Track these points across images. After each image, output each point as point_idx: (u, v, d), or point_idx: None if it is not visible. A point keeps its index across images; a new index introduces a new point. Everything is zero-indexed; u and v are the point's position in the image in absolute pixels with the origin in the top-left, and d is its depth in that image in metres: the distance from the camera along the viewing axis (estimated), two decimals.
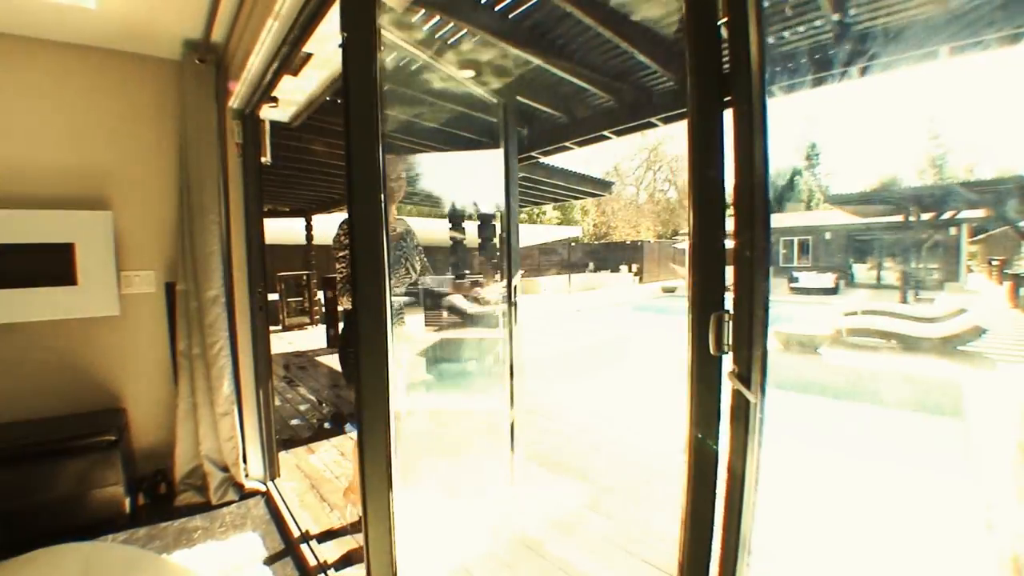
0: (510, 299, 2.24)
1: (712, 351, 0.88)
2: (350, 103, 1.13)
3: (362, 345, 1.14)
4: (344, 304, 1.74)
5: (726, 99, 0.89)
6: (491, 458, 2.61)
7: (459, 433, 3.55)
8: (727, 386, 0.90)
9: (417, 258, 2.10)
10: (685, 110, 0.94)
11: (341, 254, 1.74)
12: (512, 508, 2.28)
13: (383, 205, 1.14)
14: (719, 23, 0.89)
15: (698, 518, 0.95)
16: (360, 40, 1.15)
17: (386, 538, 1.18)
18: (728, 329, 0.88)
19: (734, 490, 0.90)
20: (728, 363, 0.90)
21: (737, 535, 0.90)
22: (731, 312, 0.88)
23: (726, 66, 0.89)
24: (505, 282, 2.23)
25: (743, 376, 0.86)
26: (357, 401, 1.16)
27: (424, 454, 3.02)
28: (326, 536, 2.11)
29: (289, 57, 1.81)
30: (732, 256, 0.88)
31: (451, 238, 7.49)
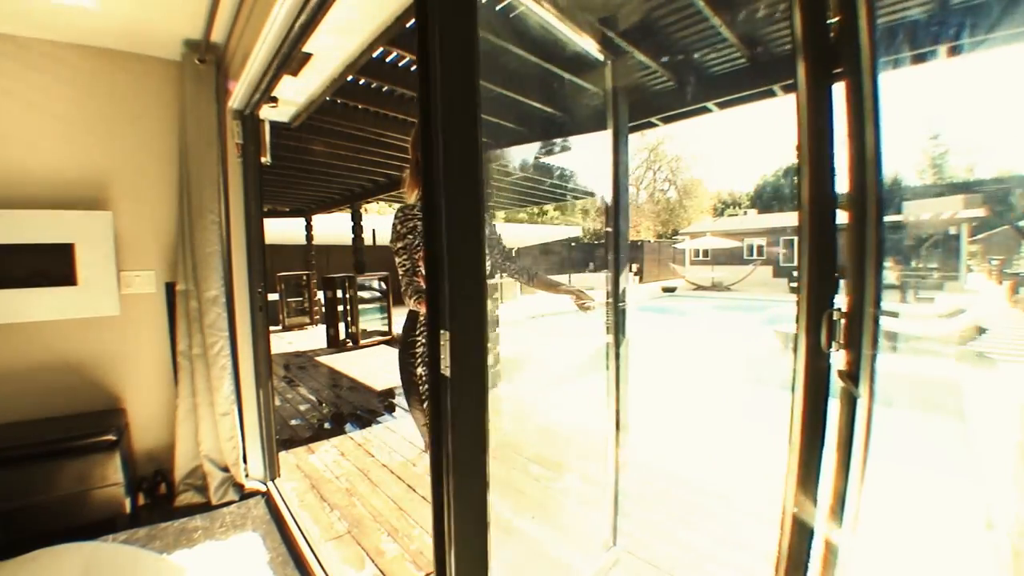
0: (616, 303, 1.80)
1: (823, 348, 0.86)
2: (441, 51, 0.81)
3: (454, 380, 0.83)
4: (410, 305, 1.49)
5: (835, 72, 0.82)
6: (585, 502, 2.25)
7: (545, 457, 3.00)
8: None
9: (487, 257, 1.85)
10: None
11: (400, 246, 1.51)
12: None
13: (483, 195, 0.87)
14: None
15: (802, 517, 0.93)
16: None
17: None
18: (840, 327, 0.85)
19: (839, 490, 0.88)
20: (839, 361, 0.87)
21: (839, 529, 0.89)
22: (842, 310, 0.85)
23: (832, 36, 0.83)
24: (611, 280, 1.83)
25: (852, 375, 0.84)
26: (436, 445, 0.87)
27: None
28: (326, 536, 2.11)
29: (289, 57, 1.81)
30: (844, 250, 0.84)
31: None
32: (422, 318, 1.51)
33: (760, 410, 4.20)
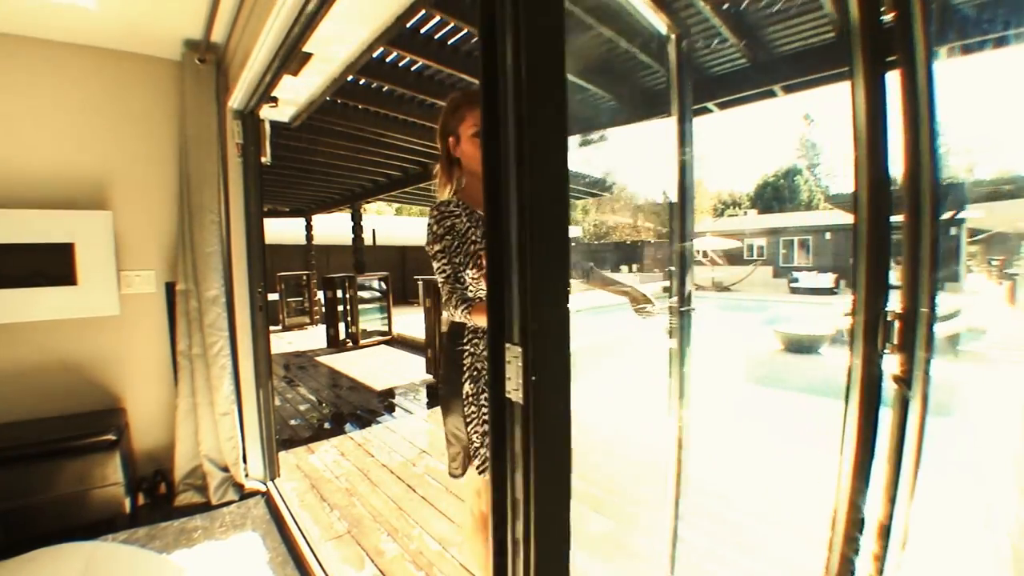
0: (682, 305, 1.59)
1: (878, 350, 0.84)
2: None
3: (527, 407, 0.67)
4: (456, 317, 1.27)
5: (888, 60, 0.79)
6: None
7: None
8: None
9: None
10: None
11: (438, 248, 1.30)
12: None
13: (567, 173, 0.69)
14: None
15: (853, 515, 0.93)
16: None
17: None
18: (895, 328, 0.83)
19: (890, 499, 0.87)
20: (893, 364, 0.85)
21: (888, 531, 0.89)
22: (896, 311, 0.83)
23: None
24: (675, 282, 1.62)
25: (905, 378, 0.82)
26: (499, 486, 0.72)
27: None
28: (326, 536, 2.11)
29: (289, 57, 1.81)
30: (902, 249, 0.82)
31: None
32: (470, 325, 1.33)
33: (762, 411, 4.20)
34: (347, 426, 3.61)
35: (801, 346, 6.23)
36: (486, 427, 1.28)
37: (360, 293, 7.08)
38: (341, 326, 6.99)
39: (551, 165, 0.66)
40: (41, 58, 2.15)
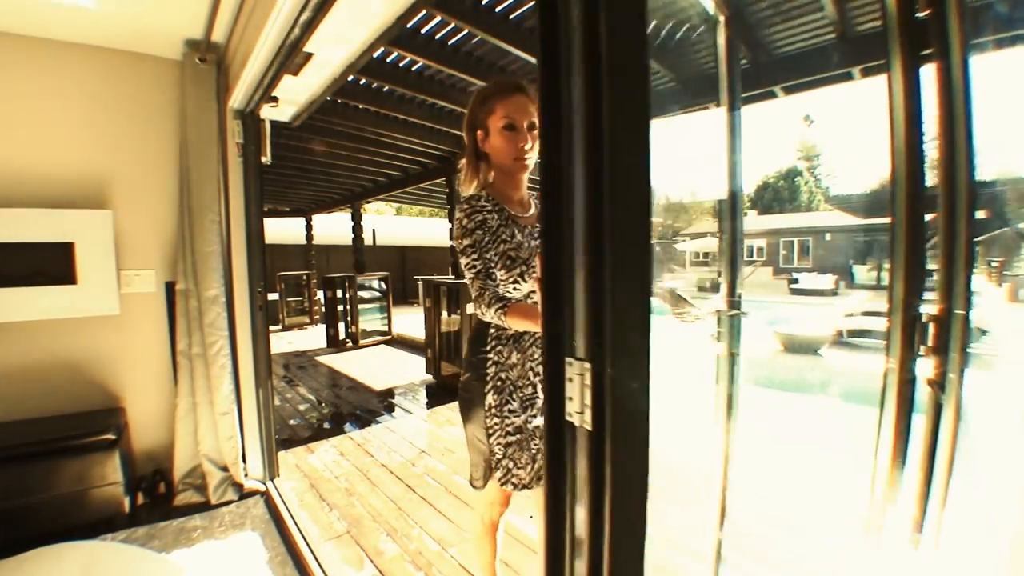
0: (730, 309, 1.48)
1: (914, 352, 0.83)
2: None
3: (597, 433, 0.57)
4: (488, 316, 1.18)
5: (923, 54, 0.79)
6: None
7: None
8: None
9: None
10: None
11: (467, 243, 1.21)
12: None
13: (650, 146, 0.57)
14: None
15: (886, 519, 0.95)
16: None
17: None
18: (929, 330, 0.81)
19: (922, 505, 0.88)
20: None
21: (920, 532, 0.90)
22: (931, 313, 0.81)
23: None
24: (725, 285, 1.51)
25: (940, 383, 0.81)
26: (554, 522, 0.63)
27: None
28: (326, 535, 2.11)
29: (290, 57, 1.81)
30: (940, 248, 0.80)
31: None
32: (493, 331, 1.26)
33: (760, 411, 4.19)
34: (347, 426, 3.61)
35: (802, 347, 6.23)
36: (509, 439, 1.24)
37: (360, 293, 7.08)
38: (341, 326, 6.99)
39: (631, 137, 0.54)
40: (41, 57, 2.15)
